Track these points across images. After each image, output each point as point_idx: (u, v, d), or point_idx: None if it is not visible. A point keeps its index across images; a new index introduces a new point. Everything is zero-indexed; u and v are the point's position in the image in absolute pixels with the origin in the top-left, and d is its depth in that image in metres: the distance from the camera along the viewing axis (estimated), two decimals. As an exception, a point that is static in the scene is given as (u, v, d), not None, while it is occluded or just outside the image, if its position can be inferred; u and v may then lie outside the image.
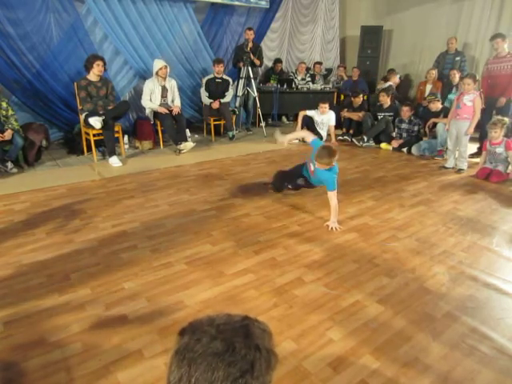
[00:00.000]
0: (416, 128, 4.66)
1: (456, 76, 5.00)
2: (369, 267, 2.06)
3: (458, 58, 5.52)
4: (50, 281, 1.84)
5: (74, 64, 4.31)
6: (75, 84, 3.84)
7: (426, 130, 4.68)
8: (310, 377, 1.33)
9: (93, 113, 3.71)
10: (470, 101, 3.76)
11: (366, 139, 4.93)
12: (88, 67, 3.76)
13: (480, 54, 5.80)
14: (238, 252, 2.18)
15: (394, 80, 5.96)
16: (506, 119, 3.68)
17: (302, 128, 5.11)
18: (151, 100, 4.34)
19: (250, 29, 5.13)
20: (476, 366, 1.41)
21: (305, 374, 1.34)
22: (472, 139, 4.44)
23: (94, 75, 3.78)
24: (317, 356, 1.42)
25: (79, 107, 3.89)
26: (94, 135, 3.80)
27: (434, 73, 5.46)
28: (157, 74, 4.26)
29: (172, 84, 4.45)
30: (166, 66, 4.27)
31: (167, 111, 4.30)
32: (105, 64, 3.82)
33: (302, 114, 5.06)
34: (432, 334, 1.57)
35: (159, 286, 1.83)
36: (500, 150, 3.59)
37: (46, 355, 1.38)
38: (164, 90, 4.38)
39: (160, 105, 4.34)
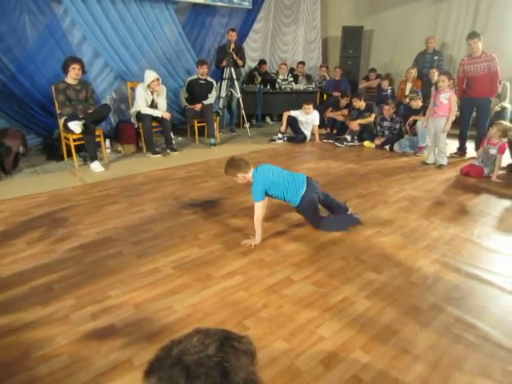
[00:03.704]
0: (397, 126, 4.76)
1: (435, 74, 5.14)
2: (356, 263, 2.09)
3: (436, 57, 5.69)
4: (33, 293, 1.77)
5: (51, 66, 4.17)
6: (53, 87, 3.73)
7: (407, 127, 4.80)
8: (302, 375, 1.33)
9: (72, 117, 3.61)
10: (446, 99, 3.87)
11: (349, 139, 5.01)
12: (66, 70, 3.65)
13: (457, 53, 5.99)
14: (225, 254, 2.16)
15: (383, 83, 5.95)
16: (505, 123, 3.72)
17: (287, 128, 5.15)
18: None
19: (233, 30, 5.13)
20: (462, 353, 1.45)
21: (297, 373, 1.34)
22: (453, 136, 4.57)
23: (71, 78, 3.68)
24: (308, 354, 1.43)
25: (58, 111, 3.78)
26: (75, 140, 3.70)
27: (414, 72, 5.59)
28: (148, 86, 4.14)
29: (162, 94, 4.30)
30: (158, 79, 4.13)
31: (169, 116, 4.29)
32: (83, 67, 3.71)
33: (286, 114, 5.11)
34: (419, 325, 1.60)
35: (147, 292, 1.80)
36: (493, 151, 3.65)
37: (31, 370, 1.33)
38: (153, 100, 4.28)
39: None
